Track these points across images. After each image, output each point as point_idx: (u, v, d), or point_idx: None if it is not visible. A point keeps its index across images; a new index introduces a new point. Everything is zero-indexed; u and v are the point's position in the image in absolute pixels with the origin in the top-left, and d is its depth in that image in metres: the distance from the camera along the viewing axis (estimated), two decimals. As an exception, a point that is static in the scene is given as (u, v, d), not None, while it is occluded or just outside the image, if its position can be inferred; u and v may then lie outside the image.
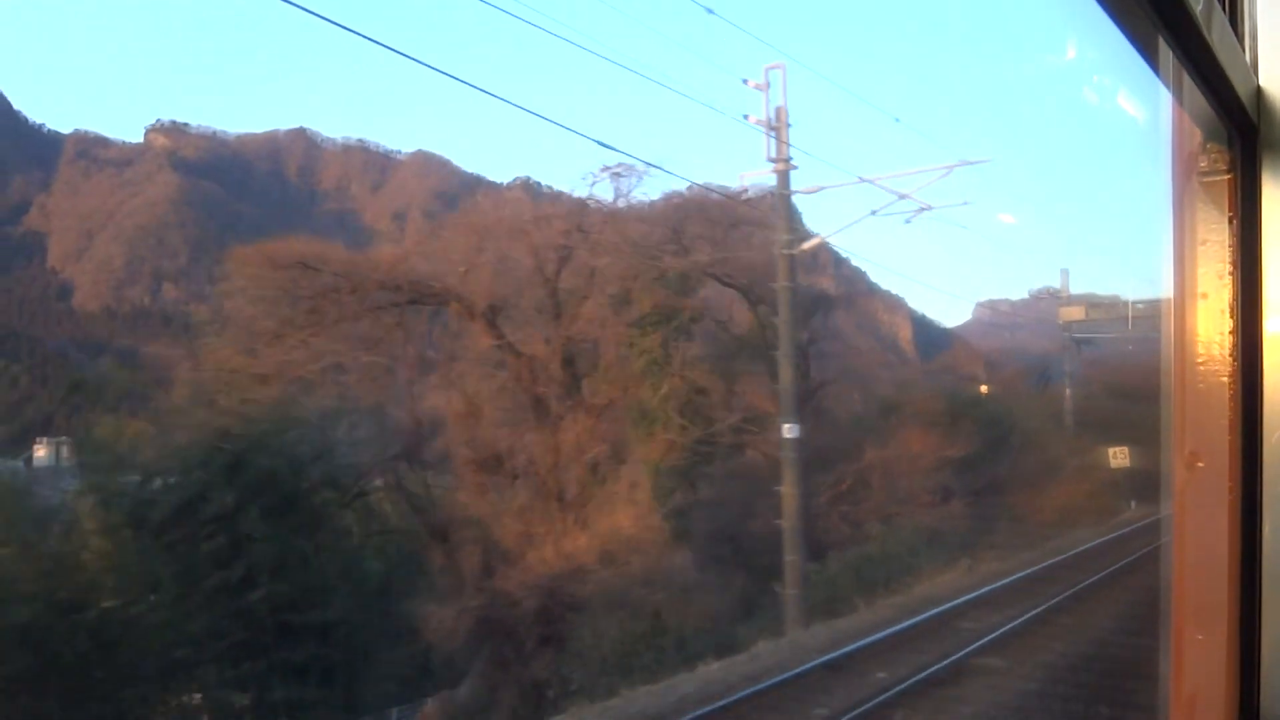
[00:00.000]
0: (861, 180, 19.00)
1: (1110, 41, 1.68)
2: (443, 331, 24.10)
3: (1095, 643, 13.99)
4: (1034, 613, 15.76)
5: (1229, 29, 1.72)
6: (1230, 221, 1.83)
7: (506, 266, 22.54)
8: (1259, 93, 1.81)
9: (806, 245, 20.27)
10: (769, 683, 12.43)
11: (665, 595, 19.23)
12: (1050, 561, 20.60)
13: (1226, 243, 1.84)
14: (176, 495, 14.95)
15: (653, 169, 25.65)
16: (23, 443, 49.97)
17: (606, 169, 23.34)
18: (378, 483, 20.82)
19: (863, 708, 11.23)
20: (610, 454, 21.99)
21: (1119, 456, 26.10)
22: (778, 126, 18.36)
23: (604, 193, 23.90)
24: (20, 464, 35.22)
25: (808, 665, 13.24)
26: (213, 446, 15.59)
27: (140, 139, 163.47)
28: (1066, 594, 17.07)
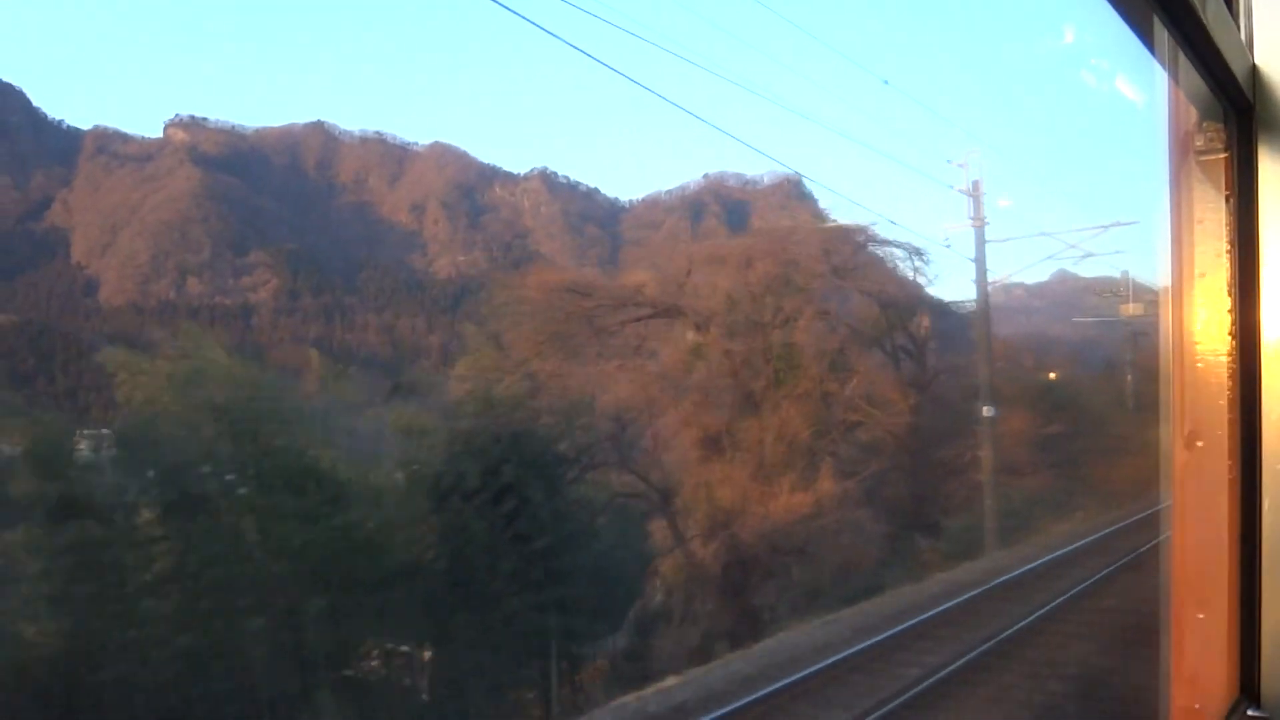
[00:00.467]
0: (1042, 234, 26.68)
1: (1106, 23, 1.68)
2: (675, 337, 29.66)
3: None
4: (1153, 543, 17.21)
5: (1224, 7, 1.71)
6: (1227, 200, 1.83)
7: (719, 286, 28.77)
8: (1254, 71, 1.80)
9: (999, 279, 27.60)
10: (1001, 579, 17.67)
11: (856, 541, 24.71)
12: (1137, 517, 22.68)
13: (1224, 221, 1.84)
14: (475, 468, 19.21)
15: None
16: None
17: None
18: (617, 457, 25.96)
19: (1080, 586, 16.25)
20: (805, 432, 27.15)
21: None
22: (975, 195, 24.54)
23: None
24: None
25: (1018, 571, 18.35)
26: (499, 431, 20.35)
27: (159, 134, 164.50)
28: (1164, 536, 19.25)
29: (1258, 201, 1.81)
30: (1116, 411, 35.94)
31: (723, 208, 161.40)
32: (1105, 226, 25.35)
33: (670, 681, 12.64)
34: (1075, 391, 37.82)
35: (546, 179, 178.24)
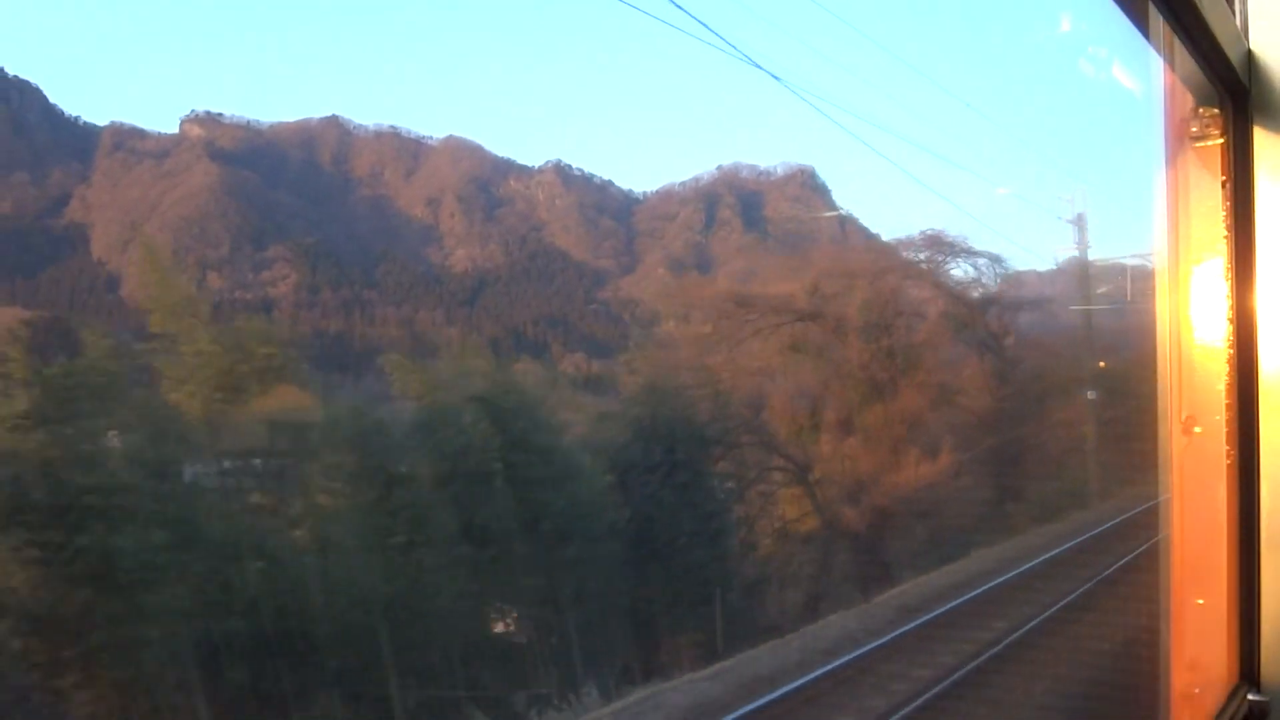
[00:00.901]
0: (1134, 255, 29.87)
1: (1102, 10, 1.68)
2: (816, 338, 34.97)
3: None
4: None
5: (1219, -8, 1.71)
6: (1223, 185, 1.83)
7: (850, 295, 34.15)
8: (1250, 56, 1.80)
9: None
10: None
11: (969, 504, 29.84)
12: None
13: (1219, 207, 1.84)
14: (657, 447, 23.85)
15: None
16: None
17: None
18: (766, 437, 31.69)
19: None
20: (923, 415, 32.26)
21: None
22: (1081, 226, 29.63)
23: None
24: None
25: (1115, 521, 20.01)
26: (672, 416, 25.06)
27: (175, 129, 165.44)
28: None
29: (1254, 186, 1.80)
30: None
31: (737, 199, 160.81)
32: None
33: (835, 618, 15.83)
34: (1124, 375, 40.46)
35: (561, 171, 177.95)
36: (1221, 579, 1.94)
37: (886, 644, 13.22)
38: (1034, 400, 33.96)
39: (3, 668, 12.96)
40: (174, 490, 15.77)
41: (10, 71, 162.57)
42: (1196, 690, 1.98)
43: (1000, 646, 12.73)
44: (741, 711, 10.88)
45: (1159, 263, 1.92)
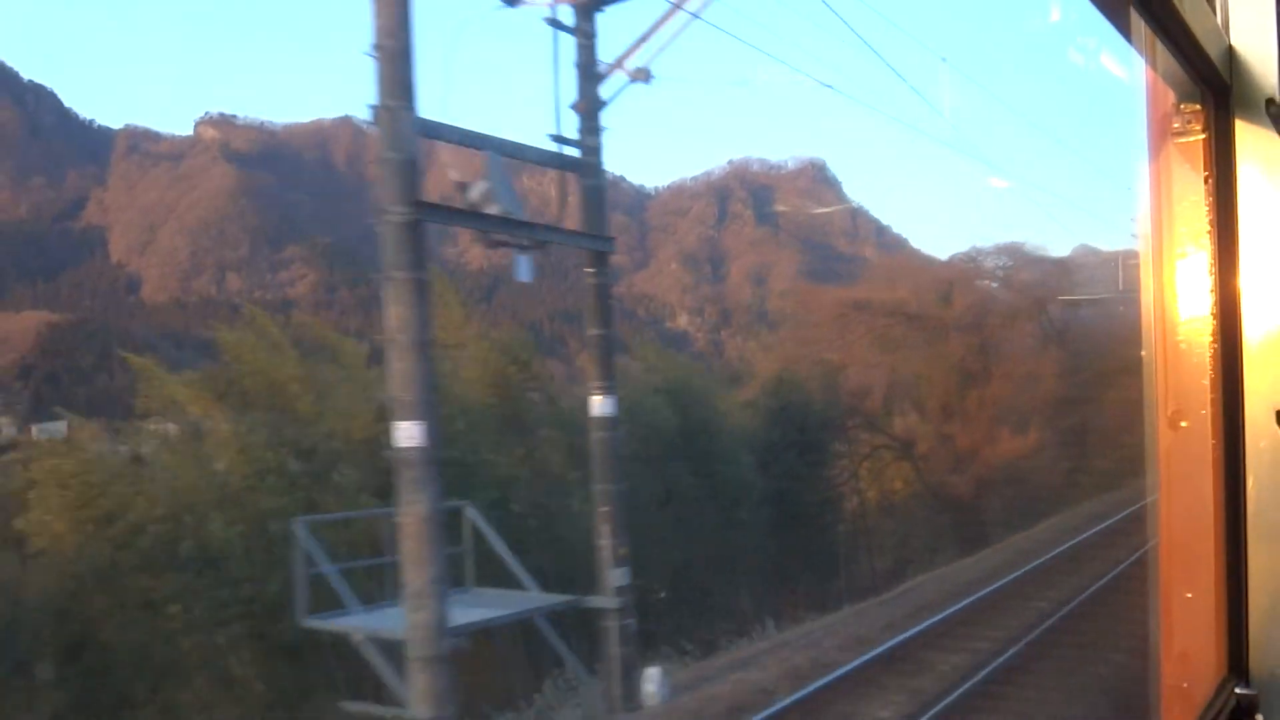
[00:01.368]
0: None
1: (1081, 9, 1.69)
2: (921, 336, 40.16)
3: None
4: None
5: (1197, -11, 1.71)
6: (1206, 181, 1.84)
7: (945, 297, 39.66)
8: (1230, 52, 1.80)
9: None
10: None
11: (1053, 473, 35.54)
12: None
13: (1202, 202, 1.85)
14: (789, 429, 28.55)
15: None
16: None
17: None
18: (876, 420, 37.52)
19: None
20: (1011, 399, 37.17)
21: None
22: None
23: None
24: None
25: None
26: (801, 402, 29.75)
27: (189, 131, 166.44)
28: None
29: (1235, 181, 1.81)
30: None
31: (749, 193, 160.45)
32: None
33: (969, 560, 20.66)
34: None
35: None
36: (1210, 573, 1.95)
37: (1018, 577, 17.73)
38: (1096, 384, 37.72)
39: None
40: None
41: (25, 76, 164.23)
42: (1185, 684, 2.00)
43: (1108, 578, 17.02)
44: (916, 630, 14.61)
45: (1144, 257, 1.93)
